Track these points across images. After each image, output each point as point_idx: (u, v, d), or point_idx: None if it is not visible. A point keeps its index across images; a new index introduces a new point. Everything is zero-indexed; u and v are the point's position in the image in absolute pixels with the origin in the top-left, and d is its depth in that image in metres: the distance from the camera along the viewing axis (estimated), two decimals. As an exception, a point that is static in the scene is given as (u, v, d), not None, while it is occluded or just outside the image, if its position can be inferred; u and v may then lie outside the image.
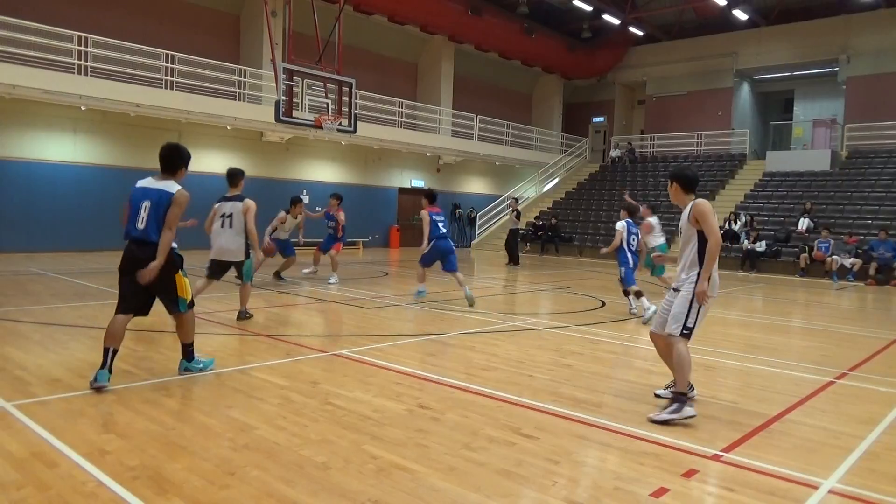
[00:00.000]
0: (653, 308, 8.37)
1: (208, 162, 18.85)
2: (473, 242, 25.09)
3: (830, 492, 3.31)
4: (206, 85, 17.29)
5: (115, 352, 4.80)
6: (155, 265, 4.75)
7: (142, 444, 3.60)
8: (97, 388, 4.57)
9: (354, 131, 15.09)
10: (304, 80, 14.88)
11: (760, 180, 22.80)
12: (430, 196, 10.28)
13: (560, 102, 30.62)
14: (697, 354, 6.63)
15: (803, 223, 18.65)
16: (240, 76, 18.48)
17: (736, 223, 19.63)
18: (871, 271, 15.74)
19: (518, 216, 18.59)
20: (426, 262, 10.07)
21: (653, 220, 10.46)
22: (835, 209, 19.45)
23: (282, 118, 13.40)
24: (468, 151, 24.74)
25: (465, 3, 23.02)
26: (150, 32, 17.42)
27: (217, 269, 7.97)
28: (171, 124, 17.46)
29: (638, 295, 9.14)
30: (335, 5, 16.06)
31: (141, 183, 5.12)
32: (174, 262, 4.94)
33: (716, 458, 3.72)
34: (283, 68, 13.22)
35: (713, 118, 26.77)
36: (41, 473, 3.18)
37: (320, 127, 14.14)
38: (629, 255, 9.38)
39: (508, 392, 4.94)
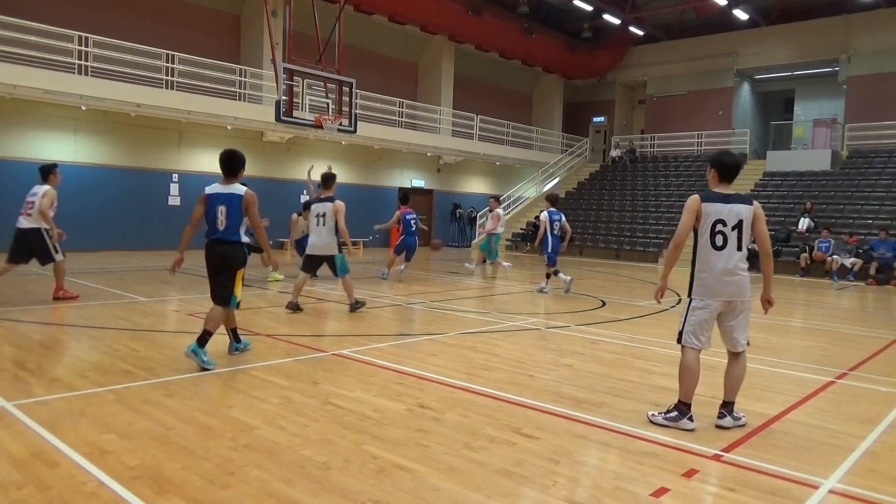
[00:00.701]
0: (569, 278, 11.29)
1: (209, 162, 18.85)
2: (473, 242, 25.08)
3: (831, 492, 3.31)
4: (207, 85, 17.29)
5: (234, 330, 5.85)
6: (265, 257, 6.06)
7: (142, 444, 3.60)
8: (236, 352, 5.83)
9: (355, 131, 15.09)
10: (305, 80, 14.87)
11: (761, 180, 22.79)
12: (405, 199, 12.87)
13: (560, 102, 30.62)
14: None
15: (804, 223, 18.65)
16: (240, 76, 18.48)
17: (736, 223, 19.61)
18: (872, 271, 15.73)
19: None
20: (398, 251, 12.76)
21: (500, 211, 13.64)
22: (835, 209, 19.44)
23: (282, 118, 13.41)
24: (468, 151, 24.74)
25: (465, 3, 23.02)
26: (151, 32, 17.43)
27: (312, 264, 8.68)
28: (171, 124, 17.47)
29: (556, 273, 11.41)
30: (335, 5, 16.07)
31: (210, 189, 5.77)
32: (242, 260, 5.64)
33: (716, 457, 3.72)
34: (284, 68, 13.23)
35: (713, 118, 26.76)
36: (41, 473, 3.18)
37: (321, 127, 14.14)
38: (551, 240, 11.38)
39: (509, 392, 4.94)
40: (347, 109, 14.41)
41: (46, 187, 9.15)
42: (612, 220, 23.39)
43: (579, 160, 29.42)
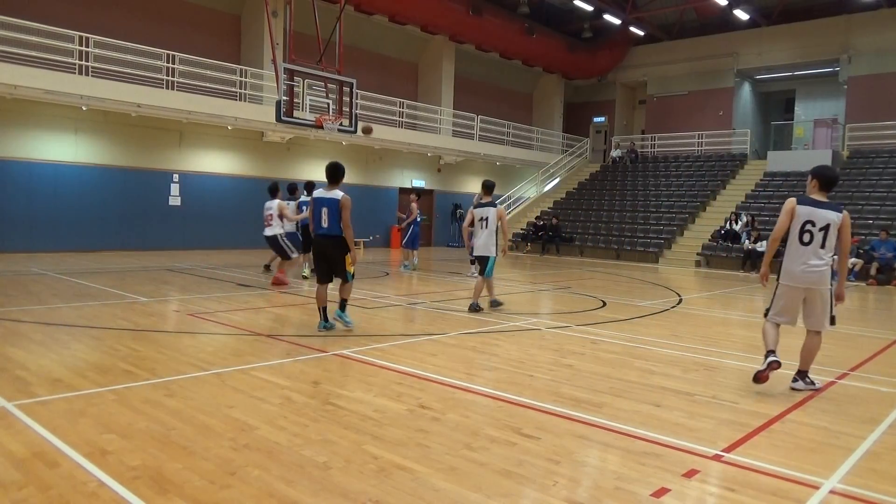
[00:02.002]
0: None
1: (209, 162, 18.88)
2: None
3: (831, 492, 3.31)
4: (207, 85, 17.30)
5: (325, 308, 7.16)
6: (350, 254, 7.03)
7: (143, 444, 3.60)
8: (323, 330, 7.05)
9: (355, 131, 15.07)
10: (305, 80, 14.86)
11: (761, 180, 22.78)
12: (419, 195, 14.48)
13: (561, 102, 30.61)
14: (698, 354, 6.64)
15: (804, 223, 18.61)
16: (241, 76, 18.48)
17: (737, 223, 19.62)
18: (873, 271, 15.73)
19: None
20: (416, 245, 15.06)
21: (413, 205, 14.72)
22: (836, 209, 19.41)
23: (283, 118, 13.40)
24: (469, 151, 24.73)
25: (465, 3, 23.01)
26: (151, 33, 17.43)
27: (480, 265, 9.24)
28: (172, 124, 17.47)
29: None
30: (336, 5, 16.07)
31: (317, 194, 7.13)
32: (345, 248, 6.99)
33: (717, 458, 3.72)
34: (284, 68, 13.22)
35: (714, 118, 26.76)
36: (42, 473, 3.19)
37: (321, 127, 14.14)
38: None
39: (509, 392, 4.94)
40: (348, 110, 14.40)
41: (277, 202, 11.31)
42: (612, 221, 23.39)
43: (580, 160, 29.42)
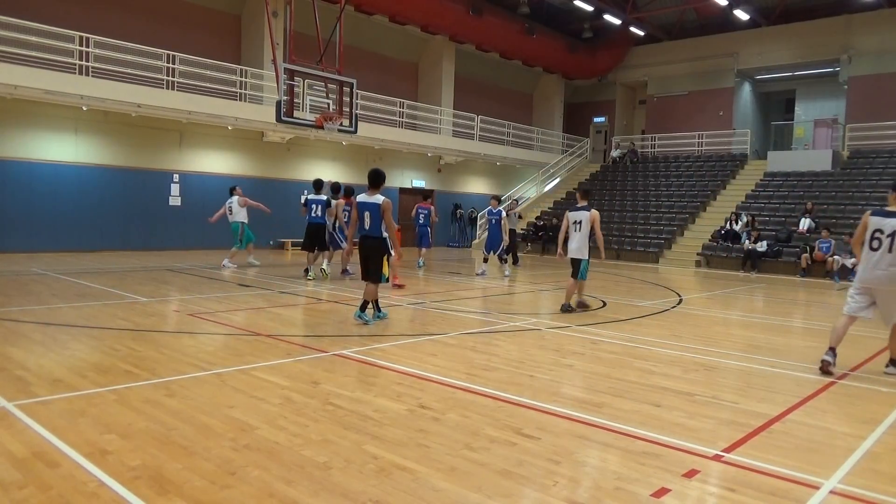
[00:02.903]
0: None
1: (209, 162, 18.88)
2: (474, 242, 25.09)
3: (832, 492, 3.31)
4: (208, 85, 17.30)
5: (377, 301, 7.81)
6: (395, 254, 7.61)
7: (143, 444, 3.60)
8: (378, 320, 7.64)
9: (355, 131, 15.07)
10: (305, 81, 14.87)
11: (761, 180, 22.78)
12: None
13: (561, 102, 30.61)
14: (698, 354, 6.64)
15: (804, 223, 18.65)
16: (241, 76, 18.49)
17: (737, 223, 19.62)
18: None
19: (519, 217, 18.59)
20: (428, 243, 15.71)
21: (235, 199, 14.03)
22: (836, 209, 19.43)
23: (283, 118, 13.39)
24: (469, 151, 24.73)
25: (465, 3, 23.01)
26: (152, 33, 17.43)
27: (573, 267, 9.38)
28: (172, 124, 17.48)
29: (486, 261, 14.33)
30: (336, 5, 16.06)
31: (360, 198, 7.62)
32: (386, 251, 7.50)
33: (717, 458, 3.72)
34: (284, 68, 13.22)
35: (714, 118, 26.75)
36: (43, 473, 3.19)
37: (321, 127, 14.14)
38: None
39: (509, 392, 4.94)
40: (348, 110, 14.40)
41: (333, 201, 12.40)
42: (612, 221, 23.38)
43: (580, 160, 29.41)
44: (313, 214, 12.30)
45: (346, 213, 12.32)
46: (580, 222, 9.27)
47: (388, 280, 7.71)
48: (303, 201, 12.21)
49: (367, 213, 7.46)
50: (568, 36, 27.91)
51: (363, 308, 7.63)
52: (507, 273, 14.56)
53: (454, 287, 12.22)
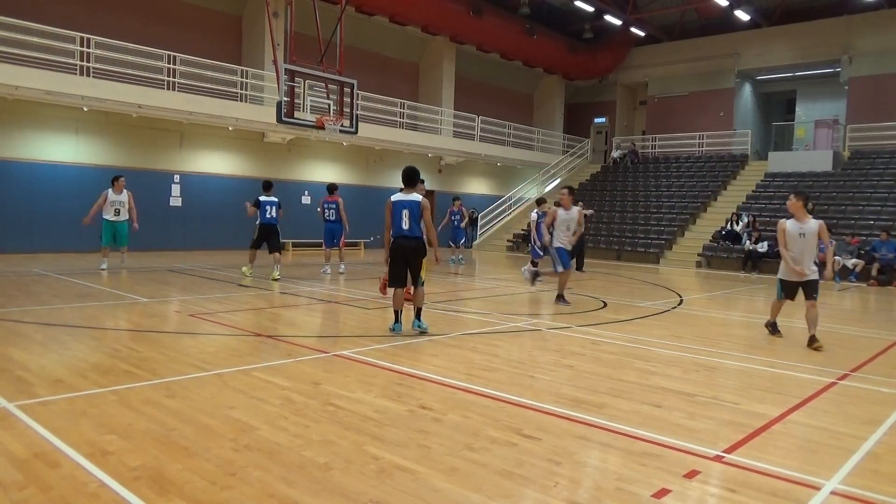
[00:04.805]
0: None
1: (209, 163, 18.89)
2: (475, 243, 25.09)
3: (832, 493, 3.31)
4: (208, 86, 17.31)
5: (401, 311, 7.23)
6: (436, 256, 7.64)
7: (143, 445, 3.60)
8: (394, 332, 7.08)
9: (356, 132, 15.08)
10: (306, 81, 14.87)
11: (762, 181, 22.77)
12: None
13: (561, 103, 30.61)
14: (699, 355, 6.64)
15: (805, 224, 18.61)
16: (241, 77, 18.49)
17: (738, 224, 19.61)
18: (874, 272, 15.71)
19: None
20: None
21: (123, 194, 12.64)
22: (837, 210, 19.42)
23: (283, 119, 13.40)
24: (470, 152, 24.74)
25: (466, 3, 23.02)
26: (152, 33, 17.44)
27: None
28: (172, 125, 17.49)
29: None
30: (337, 6, 16.07)
31: (395, 197, 7.21)
32: (425, 252, 7.20)
33: (717, 458, 3.71)
34: (285, 69, 13.23)
35: (715, 119, 26.75)
36: (43, 474, 3.19)
37: (322, 128, 14.15)
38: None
39: (510, 393, 4.94)
40: (349, 110, 14.41)
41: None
42: (613, 221, 23.39)
43: (580, 161, 29.41)
44: (267, 216, 11.95)
45: (331, 211, 13.10)
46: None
47: (423, 283, 7.36)
48: (253, 202, 11.99)
49: (405, 212, 7.08)
50: (568, 36, 27.91)
51: (418, 315, 7.29)
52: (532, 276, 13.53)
53: (455, 287, 12.22)
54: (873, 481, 3.47)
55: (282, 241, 12.55)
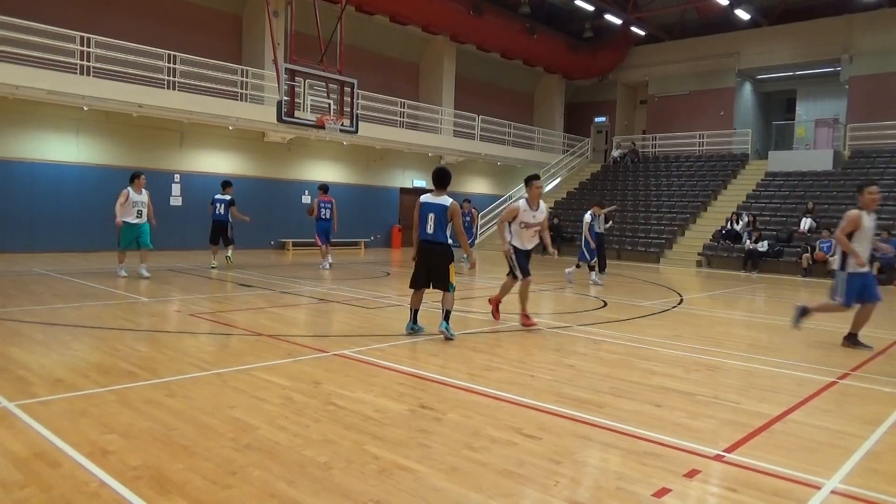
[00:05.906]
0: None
1: (210, 162, 18.89)
2: (476, 243, 25.08)
3: (833, 492, 3.30)
4: (209, 85, 17.31)
5: (417, 310, 7.05)
6: (472, 261, 7.71)
7: (144, 444, 3.60)
8: (411, 332, 6.99)
9: (356, 131, 15.09)
10: (306, 81, 14.88)
11: (762, 180, 22.77)
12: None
13: (562, 102, 30.60)
14: (699, 354, 6.64)
15: (805, 223, 18.64)
16: (242, 76, 18.49)
17: (738, 223, 19.61)
18: (874, 271, 15.69)
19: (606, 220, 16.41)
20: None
21: (127, 194, 12.25)
22: (837, 209, 19.38)
23: (284, 118, 13.41)
24: (470, 151, 24.74)
25: (466, 3, 23.01)
26: (153, 33, 17.44)
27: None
28: (173, 124, 17.49)
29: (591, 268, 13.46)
30: (337, 5, 16.07)
31: (424, 198, 6.90)
32: (451, 257, 6.85)
33: (718, 458, 3.71)
34: (285, 68, 13.23)
35: (715, 118, 26.75)
36: (44, 473, 3.19)
37: (322, 127, 14.16)
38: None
39: (510, 392, 4.94)
40: (349, 110, 14.42)
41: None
42: (613, 221, 23.36)
43: (581, 160, 29.41)
44: (217, 212, 13.62)
45: (327, 210, 14.08)
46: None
47: (454, 288, 6.87)
48: (211, 200, 13.73)
49: (431, 216, 6.71)
50: (569, 36, 27.90)
51: (447, 318, 6.86)
52: (594, 280, 13.67)
53: (458, 288, 12.20)
54: (874, 480, 3.47)
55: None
